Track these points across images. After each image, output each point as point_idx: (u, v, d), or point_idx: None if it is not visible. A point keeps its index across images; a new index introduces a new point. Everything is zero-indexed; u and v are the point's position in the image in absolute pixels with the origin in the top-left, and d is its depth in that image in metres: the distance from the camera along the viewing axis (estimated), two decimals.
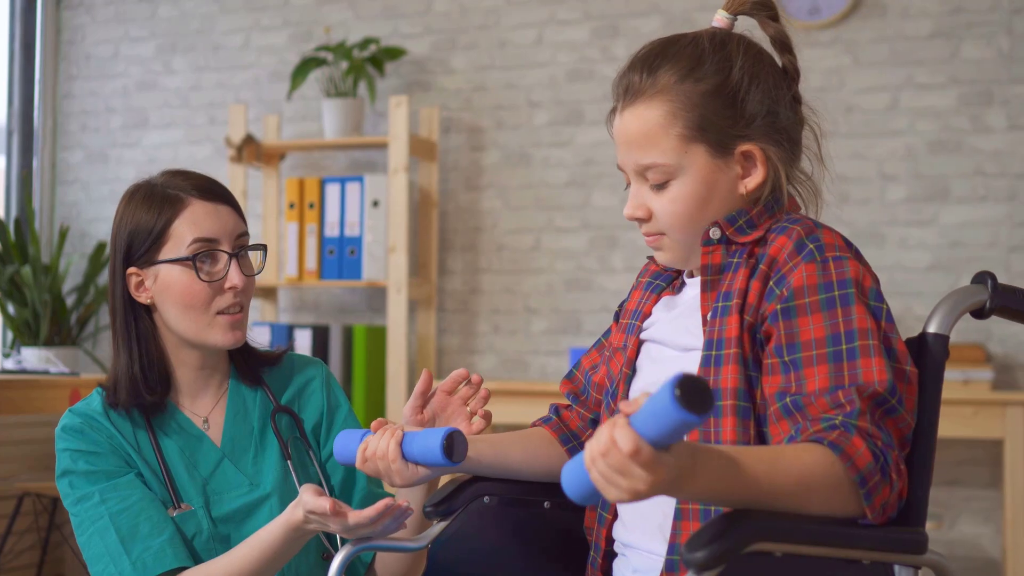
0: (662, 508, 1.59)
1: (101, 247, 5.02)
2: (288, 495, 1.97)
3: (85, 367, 4.99)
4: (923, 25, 4.20)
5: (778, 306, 1.53)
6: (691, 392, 1.16)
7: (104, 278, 5.06)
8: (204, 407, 2.00)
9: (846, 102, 4.26)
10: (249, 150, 4.62)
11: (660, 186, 1.63)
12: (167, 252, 1.91)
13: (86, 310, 4.95)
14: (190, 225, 1.91)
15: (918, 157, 4.18)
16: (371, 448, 1.70)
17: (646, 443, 1.22)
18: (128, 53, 5.22)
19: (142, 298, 1.94)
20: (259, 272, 2.01)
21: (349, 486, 2.04)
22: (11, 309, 4.84)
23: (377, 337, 4.53)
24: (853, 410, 1.44)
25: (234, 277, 1.92)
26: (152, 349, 1.94)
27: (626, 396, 1.72)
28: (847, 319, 1.50)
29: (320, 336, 4.56)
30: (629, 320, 1.78)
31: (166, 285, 1.91)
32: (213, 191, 1.95)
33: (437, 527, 1.79)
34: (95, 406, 1.96)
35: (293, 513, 1.77)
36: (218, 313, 1.92)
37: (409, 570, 1.96)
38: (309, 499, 1.72)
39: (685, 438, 1.27)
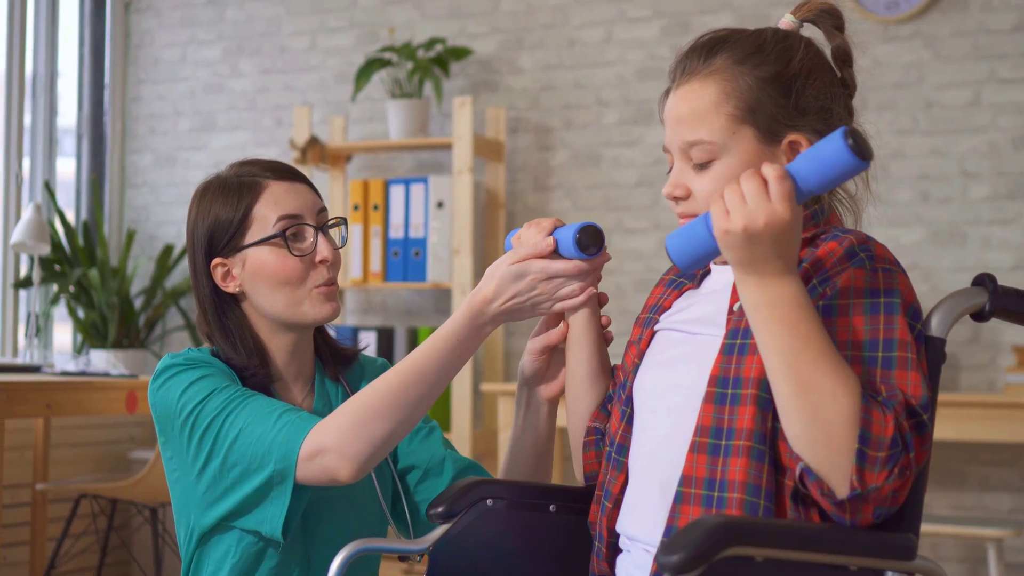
0: (665, 501, 1.57)
1: (168, 249, 5.01)
2: (363, 494, 1.94)
3: (152, 369, 4.97)
4: (1006, 18, 4.05)
5: (819, 303, 1.52)
6: (859, 141, 1.37)
7: (172, 281, 5.06)
8: (295, 397, 1.97)
9: (926, 98, 4.12)
10: (313, 152, 4.59)
11: (703, 165, 1.62)
12: (252, 236, 1.90)
13: (154, 312, 4.96)
14: (272, 205, 1.90)
15: (1001, 154, 4.04)
16: (534, 221, 1.80)
17: (792, 180, 1.41)
18: (195, 56, 5.22)
19: (230, 288, 1.92)
20: (343, 246, 2.01)
21: (434, 476, 2.00)
22: (80, 312, 4.85)
23: None
24: (894, 400, 1.44)
25: (324, 250, 1.91)
26: (248, 338, 1.92)
27: (631, 385, 1.72)
28: (889, 327, 1.49)
29: (385, 338, 4.50)
30: (647, 315, 1.78)
31: (257, 267, 1.89)
32: (288, 171, 1.96)
33: (439, 530, 1.75)
34: (195, 353, 1.91)
35: (475, 296, 1.76)
36: (315, 287, 1.91)
37: (538, 464, 1.96)
38: (519, 249, 1.75)
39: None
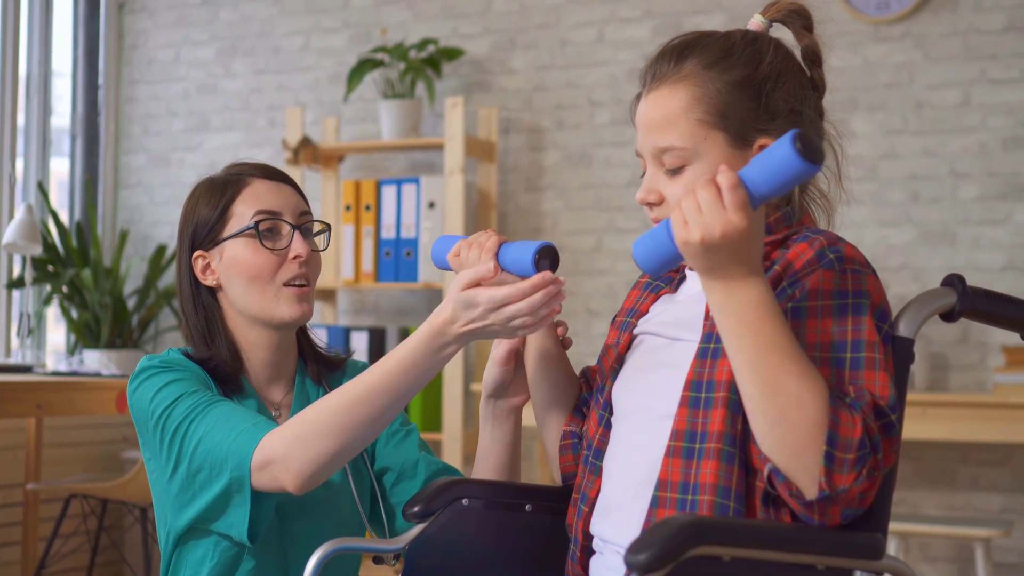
0: (640, 504, 1.58)
1: (161, 249, 5.02)
2: (341, 496, 1.93)
3: None
4: (997, 18, 4.06)
5: (788, 305, 1.52)
6: (809, 144, 1.35)
7: (165, 281, 5.07)
8: (274, 397, 1.98)
9: (916, 98, 4.13)
10: (306, 152, 4.59)
11: (675, 171, 1.61)
12: (230, 229, 1.92)
13: (147, 312, 4.96)
14: (252, 200, 1.92)
15: (991, 154, 4.04)
16: (471, 238, 1.75)
17: (745, 187, 1.40)
18: (189, 57, 5.22)
19: (208, 280, 1.93)
20: (324, 249, 2.00)
21: (408, 479, 2.00)
22: (73, 312, 4.86)
23: None
24: (862, 401, 1.44)
25: (298, 247, 1.92)
26: (220, 333, 1.92)
27: (609, 390, 1.71)
28: (857, 328, 1.50)
29: (376, 338, 4.51)
30: (624, 318, 1.77)
31: (231, 260, 1.91)
32: (275, 172, 1.98)
33: (415, 529, 1.75)
34: (174, 356, 1.91)
35: (435, 316, 1.66)
36: (284, 285, 1.91)
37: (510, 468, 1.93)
38: (463, 273, 1.63)
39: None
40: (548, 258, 1.69)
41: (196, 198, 1.96)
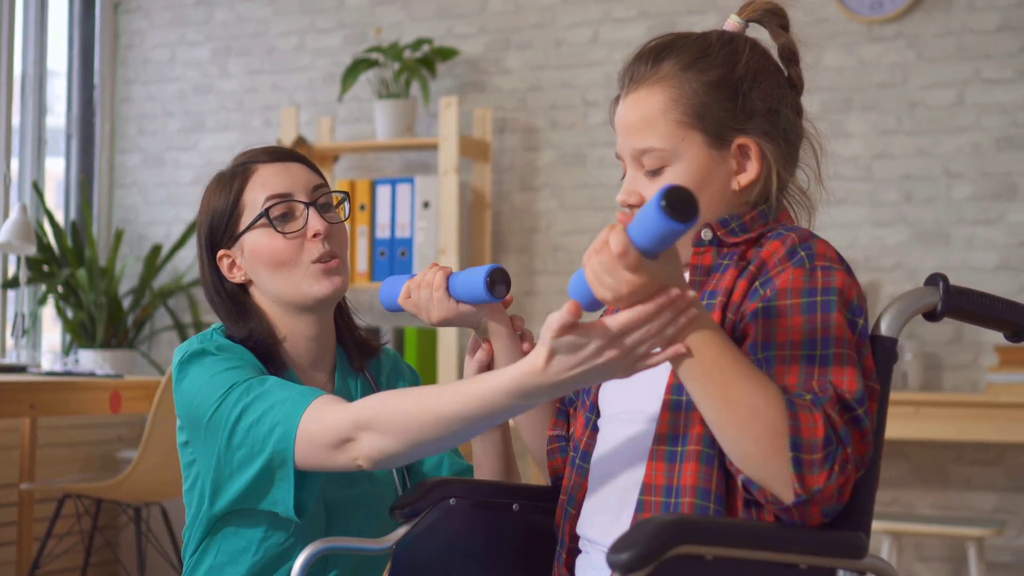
0: (626, 507, 1.58)
1: (156, 249, 5.02)
2: (386, 495, 1.92)
3: (142, 369, 4.99)
4: (990, 18, 4.07)
5: (759, 305, 1.53)
6: (677, 202, 1.28)
7: (160, 281, 5.07)
8: (318, 383, 1.94)
9: (910, 98, 4.13)
10: (301, 152, 4.58)
11: (655, 172, 1.62)
12: (245, 221, 1.89)
13: (142, 312, 4.96)
14: (261, 187, 1.88)
15: (985, 154, 4.05)
16: (418, 279, 1.78)
17: (635, 248, 1.34)
18: (185, 57, 5.23)
19: (236, 277, 1.91)
20: (346, 219, 1.96)
21: (435, 470, 1.99)
22: (68, 312, 4.86)
23: (428, 339, 4.48)
24: (825, 396, 1.44)
25: (315, 224, 1.87)
26: (257, 328, 1.88)
27: (596, 393, 1.72)
28: (825, 325, 1.50)
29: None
30: None
31: (253, 252, 1.88)
32: (281, 153, 1.93)
33: (402, 529, 1.75)
34: (224, 340, 1.88)
35: (524, 363, 1.47)
36: (312, 263, 1.87)
37: (506, 469, 1.92)
38: (553, 317, 1.42)
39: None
40: (502, 282, 1.71)
41: (208, 196, 1.93)
